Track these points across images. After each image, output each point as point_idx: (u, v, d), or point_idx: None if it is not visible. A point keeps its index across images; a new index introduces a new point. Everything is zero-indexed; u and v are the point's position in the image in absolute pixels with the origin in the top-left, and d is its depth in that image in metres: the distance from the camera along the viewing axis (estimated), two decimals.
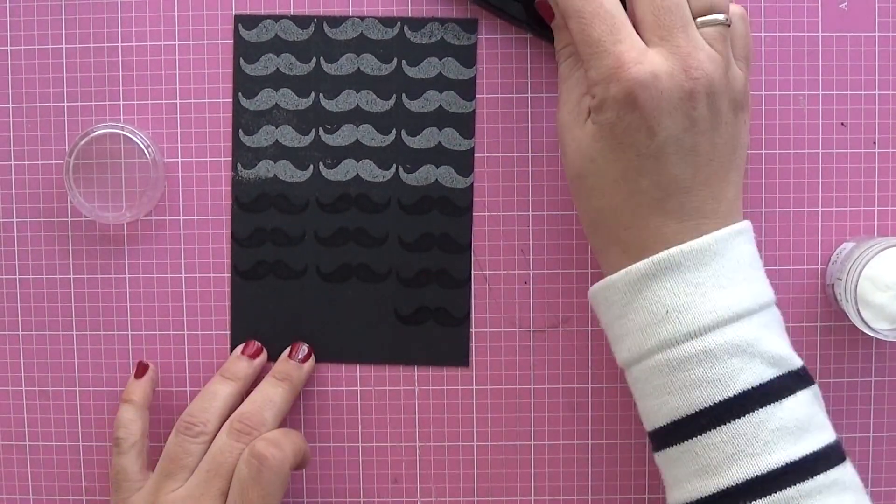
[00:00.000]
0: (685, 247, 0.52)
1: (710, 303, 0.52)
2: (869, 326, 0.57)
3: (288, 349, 0.62)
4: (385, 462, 0.63)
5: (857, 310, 0.57)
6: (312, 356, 0.62)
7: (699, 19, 0.52)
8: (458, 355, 0.63)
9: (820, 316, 0.63)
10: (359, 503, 0.64)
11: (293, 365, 0.62)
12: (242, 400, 0.61)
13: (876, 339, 0.61)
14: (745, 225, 0.54)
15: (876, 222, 0.62)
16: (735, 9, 0.55)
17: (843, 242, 0.62)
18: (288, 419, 0.63)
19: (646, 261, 0.52)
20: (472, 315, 0.63)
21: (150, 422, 0.61)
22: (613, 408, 0.63)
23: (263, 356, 0.62)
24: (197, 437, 0.59)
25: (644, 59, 0.51)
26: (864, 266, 0.57)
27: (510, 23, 0.61)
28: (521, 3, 0.60)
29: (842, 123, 0.62)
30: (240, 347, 0.62)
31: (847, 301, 0.57)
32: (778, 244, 0.62)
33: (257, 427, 0.59)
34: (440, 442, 0.63)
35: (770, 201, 0.62)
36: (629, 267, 0.53)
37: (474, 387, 0.63)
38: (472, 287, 0.63)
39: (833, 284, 0.60)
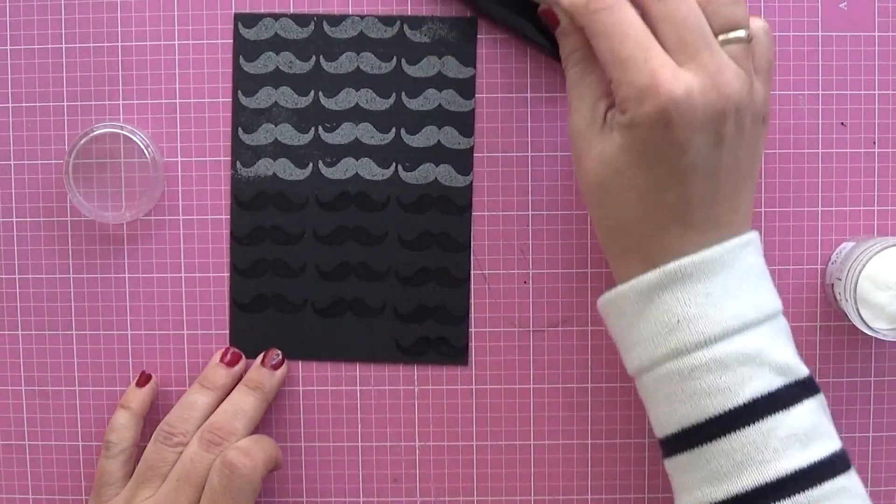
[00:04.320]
0: (696, 257, 0.52)
1: (720, 312, 0.52)
2: (869, 326, 0.57)
3: (261, 356, 0.62)
4: (385, 462, 0.63)
5: (857, 309, 0.57)
6: (285, 362, 0.62)
7: (721, 37, 0.52)
8: (457, 354, 0.63)
9: (820, 316, 0.63)
10: (359, 503, 0.63)
11: (266, 373, 0.61)
12: None
13: (876, 338, 0.60)
14: (753, 236, 0.54)
15: (876, 222, 0.62)
16: (759, 23, 0.54)
17: (842, 242, 0.62)
18: (287, 419, 0.63)
19: (656, 271, 0.52)
20: (472, 314, 0.63)
21: (146, 423, 0.61)
22: (613, 408, 0.63)
23: (242, 363, 0.62)
24: (175, 447, 0.59)
25: (678, 77, 0.50)
26: (863, 266, 0.57)
27: (513, 35, 0.61)
28: (521, 15, 0.60)
29: (842, 123, 0.62)
30: (217, 355, 0.62)
31: (847, 301, 0.57)
32: (778, 244, 0.62)
33: (227, 437, 0.59)
34: (440, 442, 0.63)
35: (770, 201, 0.62)
36: (640, 277, 0.53)
37: (474, 386, 0.63)
38: (472, 286, 0.63)
39: (833, 284, 0.60)
